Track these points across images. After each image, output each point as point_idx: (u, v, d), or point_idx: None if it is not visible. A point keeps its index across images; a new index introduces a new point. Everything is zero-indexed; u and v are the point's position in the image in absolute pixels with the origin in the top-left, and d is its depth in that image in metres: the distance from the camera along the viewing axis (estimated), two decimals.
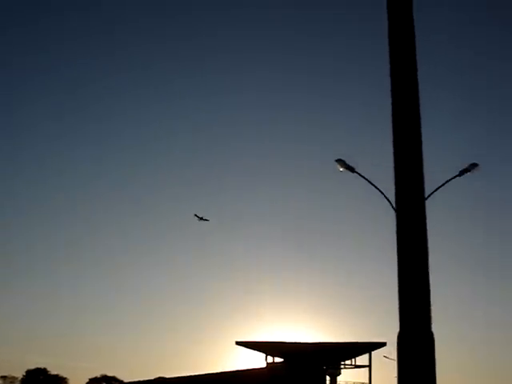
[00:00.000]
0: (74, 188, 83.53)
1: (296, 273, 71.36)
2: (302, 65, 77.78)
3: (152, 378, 49.57)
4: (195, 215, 65.51)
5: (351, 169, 24.60)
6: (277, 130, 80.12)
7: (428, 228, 6.24)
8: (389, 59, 6.63)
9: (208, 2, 76.78)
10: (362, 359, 42.30)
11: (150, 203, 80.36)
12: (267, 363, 42.39)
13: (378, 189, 23.99)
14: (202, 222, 66.14)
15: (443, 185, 23.99)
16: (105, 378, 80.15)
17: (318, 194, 74.55)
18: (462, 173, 24.30)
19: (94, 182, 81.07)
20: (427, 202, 6.50)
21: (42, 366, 79.64)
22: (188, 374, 42.43)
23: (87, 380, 79.68)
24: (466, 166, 24.43)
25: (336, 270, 69.91)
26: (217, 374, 41.70)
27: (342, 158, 24.71)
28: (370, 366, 41.17)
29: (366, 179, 24.46)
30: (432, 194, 24.13)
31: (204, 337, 75.66)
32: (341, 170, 24.73)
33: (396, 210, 6.19)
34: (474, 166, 24.39)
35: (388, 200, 21.75)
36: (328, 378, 42.77)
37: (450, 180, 24.23)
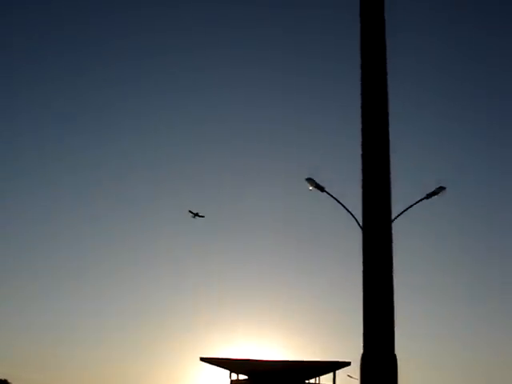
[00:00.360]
0: (71, 176, 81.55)
1: (263, 289, 71.32)
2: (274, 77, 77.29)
3: None
4: (189, 211, 55.21)
5: (321, 188, 24.81)
6: (245, 140, 79.66)
7: (395, 249, 6.32)
8: (360, 80, 6.72)
9: None
10: (327, 378, 42.38)
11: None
12: (231, 380, 42.21)
13: (346, 208, 24.21)
14: (198, 218, 55.76)
15: (410, 207, 24.31)
16: None
17: (288, 210, 74.70)
18: (429, 196, 24.65)
19: (92, 172, 79.29)
20: (394, 224, 6.59)
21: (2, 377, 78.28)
22: None
23: None
24: (433, 188, 24.80)
25: (303, 288, 70.03)
26: None
27: (312, 177, 24.94)
28: None
29: (335, 199, 24.67)
30: (399, 215, 24.46)
31: (167, 352, 74.95)
32: (310, 188, 24.96)
33: (363, 231, 6.26)
34: (441, 189, 24.77)
35: (356, 220, 21.96)
36: None
37: (417, 202, 24.56)
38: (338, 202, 24.56)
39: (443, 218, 65.84)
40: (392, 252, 6.25)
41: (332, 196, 24.71)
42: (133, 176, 78.63)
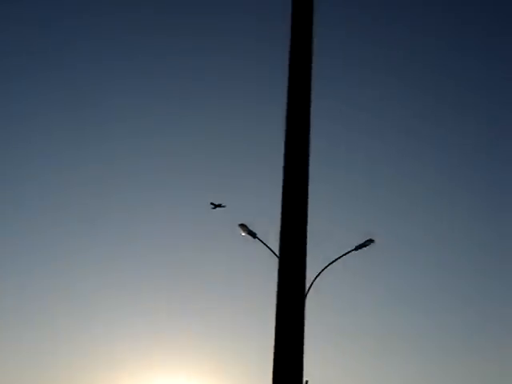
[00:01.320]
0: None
1: (192, 337, 70.33)
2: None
3: None
4: (211, 203, 52.04)
5: (253, 234, 24.97)
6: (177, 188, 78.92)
7: (323, 298, 6.45)
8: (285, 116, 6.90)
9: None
10: None
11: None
12: None
13: (277, 255, 24.39)
14: (218, 209, 52.52)
15: (339, 258, 24.69)
16: None
17: (219, 256, 74.50)
18: (357, 248, 25.09)
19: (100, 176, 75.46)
20: (323, 274, 6.75)
21: None
22: None
23: None
24: (362, 241, 25.26)
25: (233, 335, 69.55)
26: None
27: (245, 223, 25.11)
28: None
29: (267, 246, 24.85)
30: (327, 267, 24.81)
31: None
32: (243, 234, 25.09)
33: (278, 279, 6.38)
34: (369, 241, 25.24)
35: None
36: None
37: (345, 254, 24.96)
38: (271, 250, 24.74)
39: (372, 270, 66.87)
40: (304, 302, 6.38)
41: (263, 243, 24.89)
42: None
